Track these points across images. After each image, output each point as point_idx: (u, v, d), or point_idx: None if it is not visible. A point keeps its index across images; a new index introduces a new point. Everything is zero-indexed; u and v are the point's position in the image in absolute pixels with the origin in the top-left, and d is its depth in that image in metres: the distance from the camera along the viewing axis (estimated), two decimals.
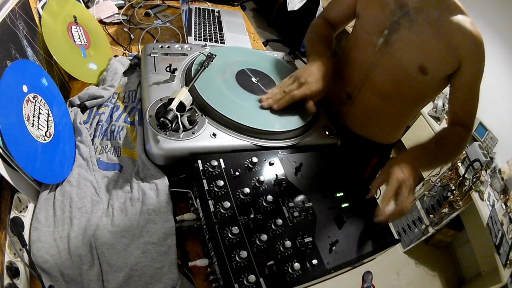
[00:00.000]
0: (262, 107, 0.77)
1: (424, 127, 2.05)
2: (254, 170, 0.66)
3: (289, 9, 2.91)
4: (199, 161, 0.63)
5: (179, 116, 0.64)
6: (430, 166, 0.91)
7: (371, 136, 0.98)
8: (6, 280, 0.48)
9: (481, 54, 0.73)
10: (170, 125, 0.61)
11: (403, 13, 0.77)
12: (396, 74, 0.82)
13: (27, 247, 0.52)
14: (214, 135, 0.69)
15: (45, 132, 0.61)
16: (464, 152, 1.80)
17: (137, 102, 0.80)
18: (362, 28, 0.87)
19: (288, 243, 0.57)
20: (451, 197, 1.75)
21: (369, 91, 0.89)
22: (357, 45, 0.90)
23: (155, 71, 0.81)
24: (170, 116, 0.61)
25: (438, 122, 1.87)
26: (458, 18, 0.72)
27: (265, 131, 0.72)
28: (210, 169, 0.62)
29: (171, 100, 0.64)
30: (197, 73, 0.74)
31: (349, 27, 1.11)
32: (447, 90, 0.84)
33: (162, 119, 0.61)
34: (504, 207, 1.67)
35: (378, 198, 0.74)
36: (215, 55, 0.78)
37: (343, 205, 0.69)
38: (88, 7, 1.11)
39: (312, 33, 0.98)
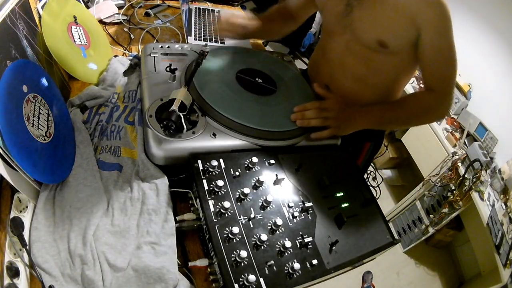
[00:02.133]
0: (293, 119, 0.77)
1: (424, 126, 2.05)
2: (254, 170, 0.66)
3: None
4: (199, 161, 0.63)
5: (182, 117, 0.64)
6: (382, 124, 0.90)
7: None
8: (6, 280, 0.48)
9: (441, 15, 0.72)
10: (174, 126, 0.61)
11: None
12: (360, 53, 0.85)
13: (27, 247, 0.52)
14: (214, 135, 0.69)
15: (45, 132, 0.61)
16: (464, 151, 1.80)
17: (137, 102, 0.80)
18: (325, 22, 0.93)
19: (288, 243, 0.57)
20: (451, 197, 1.74)
21: (344, 78, 0.92)
22: (325, 39, 0.95)
23: (155, 71, 0.81)
24: (174, 117, 0.61)
25: (443, 130, 1.88)
26: None
27: (265, 131, 0.72)
28: (210, 169, 0.62)
29: (171, 101, 0.64)
30: (192, 72, 0.74)
31: None
32: None
33: (166, 120, 0.61)
34: (504, 207, 1.66)
35: (378, 198, 0.74)
36: (207, 52, 0.78)
37: (343, 205, 0.69)
38: (88, 7, 1.11)
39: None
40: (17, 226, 0.53)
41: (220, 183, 0.60)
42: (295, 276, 0.55)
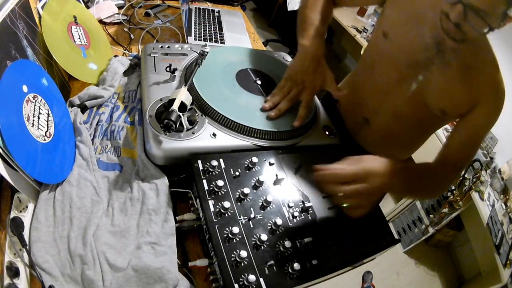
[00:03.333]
0: (271, 118, 0.75)
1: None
2: (254, 170, 0.66)
3: (289, 9, 2.90)
4: (199, 161, 0.63)
5: (182, 117, 0.64)
6: (404, 190, 0.79)
7: (387, 156, 0.96)
8: (6, 280, 0.48)
9: (497, 107, 0.72)
10: (174, 126, 0.61)
11: (438, 52, 0.71)
12: (419, 110, 0.81)
13: (27, 247, 0.52)
14: (214, 135, 0.69)
15: (45, 132, 0.61)
16: None
17: (137, 102, 0.80)
18: (391, 53, 0.80)
19: (288, 243, 0.57)
20: (451, 197, 1.75)
21: (389, 117, 0.87)
22: (383, 69, 0.84)
23: (155, 71, 0.81)
24: (173, 117, 0.61)
25: (443, 130, 1.88)
26: (489, 69, 0.70)
27: (265, 131, 0.72)
28: (210, 169, 0.62)
29: (171, 101, 0.64)
30: (192, 72, 0.74)
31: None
32: None
33: (166, 120, 0.61)
34: (504, 207, 1.67)
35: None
36: (207, 52, 0.78)
37: (343, 205, 0.69)
38: (88, 7, 1.11)
39: (312, 6, 0.84)
40: (17, 226, 0.53)
41: (220, 183, 0.60)
42: (295, 276, 0.54)
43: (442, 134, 1.87)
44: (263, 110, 0.77)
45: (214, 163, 0.63)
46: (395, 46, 0.78)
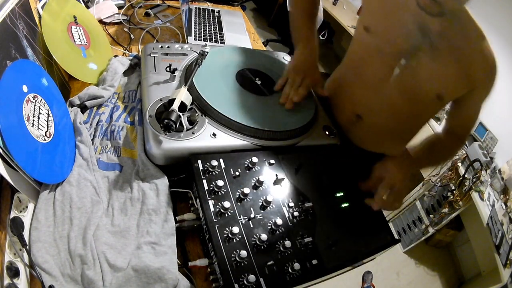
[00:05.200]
0: (288, 108, 0.80)
1: (424, 126, 2.05)
2: (254, 170, 0.66)
3: (289, 9, 2.91)
4: (199, 161, 0.63)
5: (182, 117, 0.64)
6: (420, 170, 0.96)
7: (381, 151, 0.96)
8: (6, 280, 0.48)
9: (494, 80, 0.73)
10: (174, 126, 0.61)
11: (423, 37, 0.71)
12: (413, 99, 0.80)
13: (27, 247, 0.52)
14: (214, 135, 0.69)
15: (45, 132, 0.61)
16: (464, 151, 1.80)
17: (137, 102, 0.80)
18: (375, 46, 0.80)
19: (288, 243, 0.57)
20: (451, 197, 1.75)
21: (382, 112, 0.87)
22: (369, 64, 0.84)
23: (155, 71, 0.81)
24: (174, 117, 0.61)
25: (438, 122, 1.88)
26: (480, 47, 0.70)
27: (265, 131, 0.72)
28: (210, 169, 0.62)
29: (171, 101, 0.64)
30: (192, 71, 0.74)
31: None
32: None
33: (166, 120, 0.61)
34: (504, 207, 1.67)
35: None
36: (207, 52, 0.78)
37: (343, 205, 0.69)
38: (88, 7, 1.11)
39: (297, 10, 0.93)
40: (17, 226, 0.53)
41: (220, 183, 0.60)
42: (295, 276, 0.54)
43: (436, 125, 1.86)
44: (281, 104, 0.80)
45: (214, 163, 0.63)
46: (379, 38, 0.78)
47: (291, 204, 0.63)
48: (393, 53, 0.77)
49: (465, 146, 1.84)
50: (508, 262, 1.49)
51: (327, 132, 0.82)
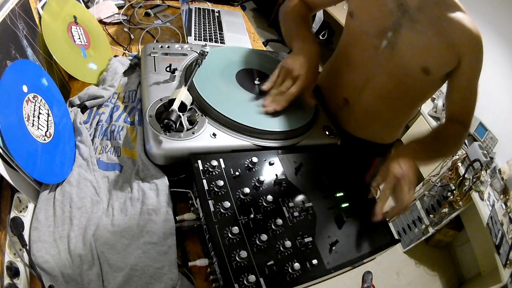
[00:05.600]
0: (267, 113, 0.76)
1: (424, 127, 2.05)
2: (254, 170, 0.66)
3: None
4: (199, 161, 0.63)
5: (182, 117, 0.64)
6: (426, 161, 0.91)
7: (371, 137, 0.98)
8: (6, 280, 0.48)
9: (480, 52, 0.73)
10: (174, 126, 0.61)
11: (403, 13, 0.74)
12: (399, 75, 0.81)
13: (27, 247, 0.52)
14: (214, 135, 0.69)
15: (45, 132, 0.61)
16: (464, 151, 1.80)
17: (137, 102, 0.80)
18: (360, 29, 0.84)
19: (288, 243, 0.57)
20: (451, 197, 1.75)
21: (369, 94, 0.87)
22: (355, 47, 0.87)
23: (155, 71, 0.81)
24: (174, 117, 0.61)
25: (438, 122, 1.88)
26: (458, 16, 0.72)
27: (265, 131, 0.72)
28: (210, 169, 0.62)
29: (171, 101, 0.64)
30: (192, 71, 0.74)
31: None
32: (444, 87, 0.84)
33: (166, 120, 0.61)
34: (504, 207, 1.66)
35: (378, 198, 0.74)
36: (207, 52, 0.78)
37: (343, 205, 0.69)
38: (88, 7, 1.11)
39: (290, 14, 0.94)
40: (17, 226, 0.53)
41: (220, 183, 0.60)
42: (295, 276, 0.54)
43: (432, 119, 1.86)
44: (263, 106, 0.77)
45: (214, 163, 0.63)
46: (363, 21, 0.82)
47: (291, 204, 0.63)
48: (376, 33, 0.80)
49: (465, 146, 1.84)
50: (508, 262, 1.49)
51: (327, 132, 0.82)
